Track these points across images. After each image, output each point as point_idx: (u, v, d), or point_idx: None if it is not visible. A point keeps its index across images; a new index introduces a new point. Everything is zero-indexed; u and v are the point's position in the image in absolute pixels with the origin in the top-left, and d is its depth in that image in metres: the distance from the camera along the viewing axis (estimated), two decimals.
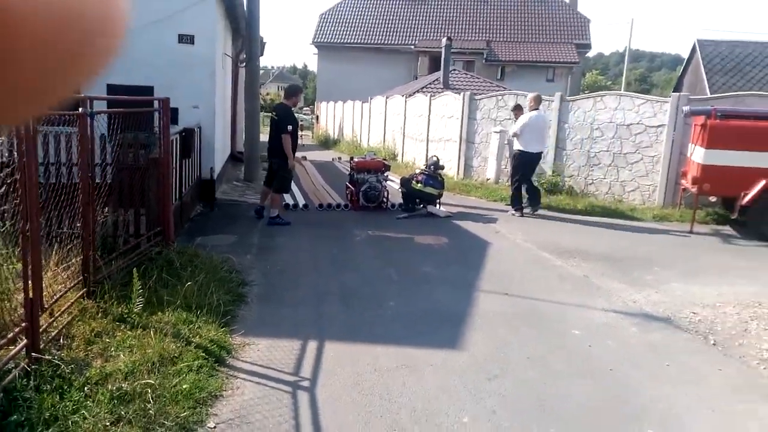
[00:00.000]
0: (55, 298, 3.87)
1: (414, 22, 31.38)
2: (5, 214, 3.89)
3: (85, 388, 3.09)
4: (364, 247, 7.35)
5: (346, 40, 30.96)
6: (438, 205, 9.68)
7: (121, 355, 3.51)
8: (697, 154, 8.80)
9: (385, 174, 9.88)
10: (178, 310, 4.30)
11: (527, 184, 9.62)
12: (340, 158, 18.00)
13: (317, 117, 31.50)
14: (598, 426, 3.36)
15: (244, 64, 12.43)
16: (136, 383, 3.16)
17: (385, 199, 9.75)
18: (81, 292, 4.25)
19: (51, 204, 4.50)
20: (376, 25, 31.50)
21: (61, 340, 3.64)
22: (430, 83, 19.70)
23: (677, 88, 23.80)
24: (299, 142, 9.54)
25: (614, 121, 10.73)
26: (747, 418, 3.57)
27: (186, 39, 9.20)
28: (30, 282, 3.43)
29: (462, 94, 13.36)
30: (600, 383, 3.86)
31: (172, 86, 8.35)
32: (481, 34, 30.13)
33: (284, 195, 8.87)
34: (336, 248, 7.17)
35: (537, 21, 30.70)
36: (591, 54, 41.76)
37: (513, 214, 9.60)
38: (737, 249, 8.09)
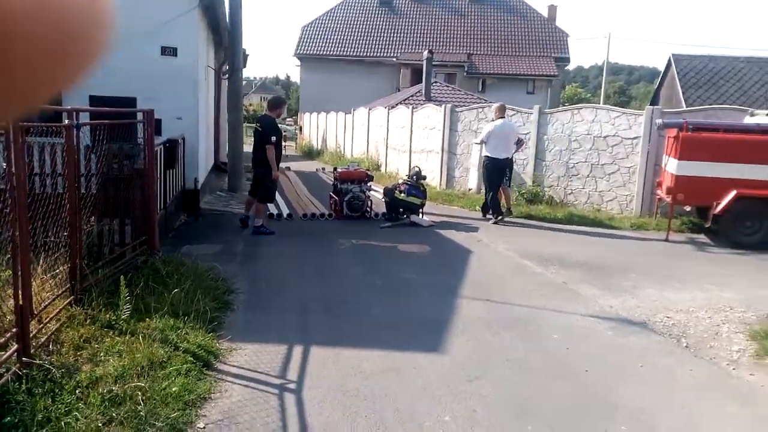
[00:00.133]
0: (43, 305, 3.93)
1: (396, 34, 31.78)
2: None
3: (77, 391, 3.16)
4: (348, 256, 7.46)
5: (328, 52, 31.21)
6: (421, 215, 9.84)
7: (111, 360, 3.58)
8: (671, 165, 9.08)
9: (369, 184, 10.03)
10: (165, 316, 4.38)
11: (492, 190, 9.98)
12: (323, 168, 18.12)
13: (300, 128, 31.62)
14: (574, 422, 3.50)
15: (227, 75, 12.54)
16: (126, 386, 3.24)
17: (368, 209, 9.89)
18: (69, 300, 4.31)
19: (38, 213, 4.55)
20: (359, 38, 31.82)
21: (51, 346, 3.69)
22: (412, 95, 19.96)
23: (654, 101, 24.39)
24: (283, 152, 9.66)
25: (591, 133, 11.02)
26: (714, 414, 3.74)
27: (169, 51, 9.29)
28: (20, 289, 3.49)
29: (443, 106, 13.60)
30: (576, 383, 4.02)
31: (156, 98, 8.42)
32: (462, 48, 30.61)
33: (269, 205, 8.96)
34: (320, 257, 7.28)
35: (516, 35, 31.33)
36: (571, 67, 42.60)
37: (495, 222, 9.83)
38: (711, 256, 8.35)
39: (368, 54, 30.99)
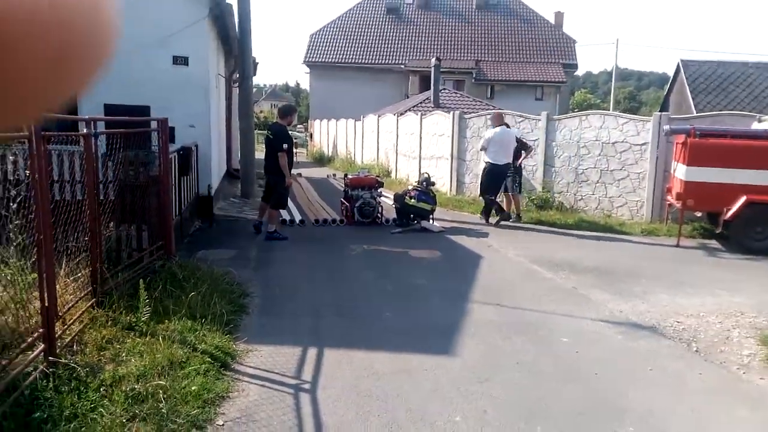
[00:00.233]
0: (67, 307, 4.05)
1: (404, 42, 32.00)
2: (19, 229, 4.09)
3: (101, 389, 3.28)
4: (359, 261, 7.56)
5: (337, 60, 31.48)
6: (431, 220, 9.92)
7: (132, 360, 3.70)
8: (680, 171, 9.12)
9: (379, 190, 10.14)
10: (183, 319, 4.50)
11: (493, 195, 10.25)
12: (334, 175, 18.27)
13: (311, 135, 31.86)
14: (583, 424, 3.57)
15: (238, 83, 12.73)
16: (148, 385, 3.35)
17: (379, 215, 10.00)
18: (91, 302, 4.44)
19: (59, 219, 4.69)
20: (367, 45, 32.07)
21: (75, 346, 3.82)
22: (420, 102, 20.10)
23: (664, 107, 24.37)
24: (294, 159, 9.82)
25: (599, 139, 11.07)
26: (724, 417, 3.79)
27: (180, 60, 9.50)
28: (45, 291, 3.62)
29: (452, 113, 13.72)
30: (585, 386, 4.08)
31: (168, 106, 8.61)
32: (470, 54, 30.78)
33: (281, 210, 9.09)
34: (332, 262, 7.39)
35: (524, 42, 31.45)
36: (580, 73, 42.66)
37: (498, 222, 10.10)
38: (722, 262, 8.37)
39: (377, 61, 31.22)
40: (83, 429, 2.90)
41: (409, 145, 16.17)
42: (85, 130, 4.87)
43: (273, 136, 8.41)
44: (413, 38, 32.16)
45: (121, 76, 9.03)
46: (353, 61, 31.36)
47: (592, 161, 11.22)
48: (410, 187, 10.40)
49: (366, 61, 31.28)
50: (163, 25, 9.16)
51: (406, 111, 18.42)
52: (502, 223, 10.18)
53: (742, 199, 8.56)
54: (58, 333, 3.73)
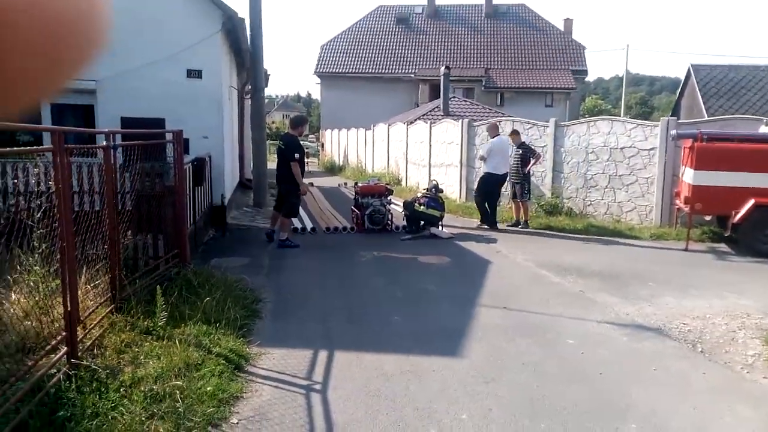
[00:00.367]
0: (87, 312, 4.23)
1: (413, 51, 32.25)
2: (42, 238, 4.28)
3: (121, 390, 3.45)
4: (369, 267, 7.70)
5: (347, 70, 31.80)
6: (441, 227, 10.04)
7: (150, 362, 3.87)
8: (688, 175, 9.17)
9: (389, 198, 10.29)
10: (198, 323, 4.67)
11: (492, 202, 10.60)
12: (345, 183, 18.46)
13: (322, 144, 32.16)
14: (586, 422, 3.65)
15: (250, 95, 12.99)
16: (165, 385, 3.51)
17: (389, 222, 10.14)
18: (110, 308, 4.63)
19: (80, 228, 4.88)
20: (377, 55, 32.38)
21: (95, 350, 4.00)
22: (430, 110, 20.26)
23: (675, 112, 24.33)
24: (306, 168, 10.01)
25: (608, 144, 11.14)
26: (726, 415, 3.85)
27: (194, 74, 9.76)
28: (68, 297, 3.80)
29: (461, 120, 13.86)
30: (589, 385, 4.17)
31: (183, 118, 8.86)
32: (479, 62, 30.94)
33: (293, 219, 9.27)
34: (343, 268, 7.53)
35: (533, 49, 31.56)
36: (591, 79, 42.65)
37: (480, 226, 10.57)
38: (730, 265, 8.39)
39: (386, 71, 31.49)
40: (105, 427, 3.06)
41: (419, 153, 16.33)
42: (104, 143, 5.07)
43: (285, 147, 8.60)
44: (423, 48, 32.42)
45: (136, 90, 9.32)
46: (363, 71, 31.66)
47: (601, 166, 11.29)
48: (419, 194, 10.54)
49: (376, 71, 31.57)
50: (177, 39, 9.44)
51: (415, 120, 18.59)
52: (509, 228, 10.36)
53: (750, 203, 8.59)
54: (80, 337, 3.91)
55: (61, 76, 0.38)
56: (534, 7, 34.40)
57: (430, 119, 17.51)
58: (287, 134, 8.96)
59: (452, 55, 31.35)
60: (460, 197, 13.50)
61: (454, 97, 21.45)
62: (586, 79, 36.75)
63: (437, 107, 20.21)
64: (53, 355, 3.57)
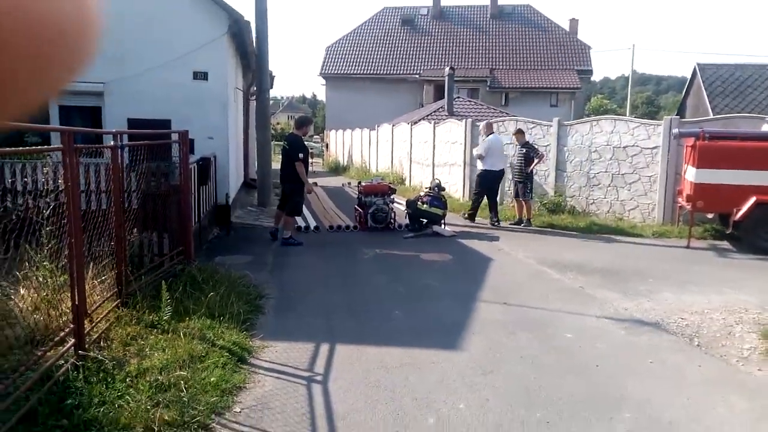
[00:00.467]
0: (94, 306, 4.35)
1: (418, 52, 32.36)
2: (50, 235, 4.40)
3: (127, 380, 3.56)
4: (372, 265, 7.79)
5: (352, 71, 31.94)
6: (443, 225, 10.12)
7: (155, 354, 3.98)
8: (690, 174, 9.21)
9: (392, 197, 10.38)
10: (202, 317, 4.78)
11: (492, 198, 10.81)
12: (349, 183, 18.55)
13: (327, 145, 32.30)
14: (581, 411, 3.73)
15: (255, 96, 13.11)
16: (170, 376, 3.62)
17: (392, 220, 10.23)
18: (116, 302, 4.74)
19: (87, 226, 5.00)
20: (381, 56, 32.50)
21: (102, 342, 4.11)
22: (435, 111, 20.34)
23: (681, 111, 24.31)
24: (310, 168, 10.12)
25: (611, 143, 11.19)
26: (719, 406, 3.92)
27: (200, 75, 9.89)
28: (75, 291, 3.91)
29: (464, 120, 13.93)
30: (585, 377, 4.24)
31: (188, 119, 8.99)
32: (484, 63, 31.01)
33: (297, 218, 9.38)
34: (346, 266, 7.63)
35: (538, 49, 31.59)
36: (597, 78, 42.63)
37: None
38: (731, 262, 8.43)
39: (391, 72, 31.61)
40: (111, 414, 3.16)
41: (423, 153, 16.41)
42: (111, 143, 5.18)
43: (289, 147, 8.72)
44: (428, 48, 32.53)
45: (143, 91, 9.46)
46: (368, 72, 31.80)
47: (604, 165, 11.34)
48: (422, 193, 10.62)
49: (381, 72, 31.71)
50: (184, 42, 9.58)
51: (420, 120, 18.68)
52: (511, 226, 10.46)
53: (752, 200, 8.63)
54: (87, 330, 4.02)
55: (51, 81, 0.37)
56: (539, 8, 34.44)
57: (434, 119, 17.59)
58: (292, 134, 9.08)
59: (457, 55, 31.44)
60: (463, 196, 13.57)
61: (458, 97, 21.52)
62: (592, 79, 36.81)
63: (441, 107, 20.29)
64: (61, 347, 3.69)
